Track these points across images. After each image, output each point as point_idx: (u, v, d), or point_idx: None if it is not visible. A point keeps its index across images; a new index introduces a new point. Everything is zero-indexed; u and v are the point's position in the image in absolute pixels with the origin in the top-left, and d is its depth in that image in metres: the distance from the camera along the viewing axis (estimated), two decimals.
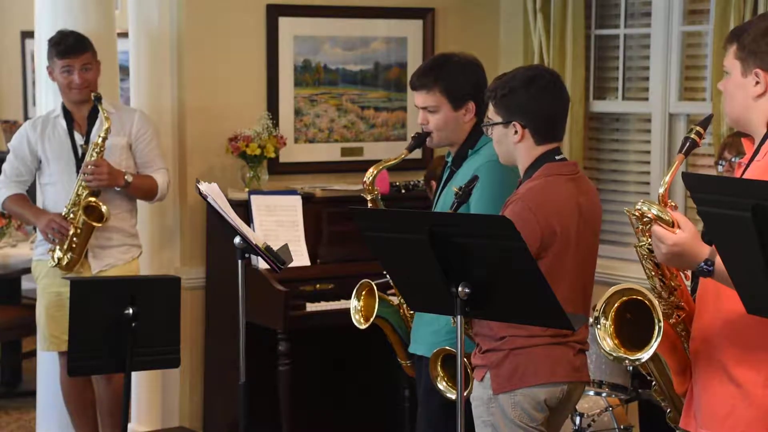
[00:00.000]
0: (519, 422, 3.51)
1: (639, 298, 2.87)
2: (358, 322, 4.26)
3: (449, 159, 4.18)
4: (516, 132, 3.55)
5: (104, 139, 5.20)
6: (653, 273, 2.91)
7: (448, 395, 3.75)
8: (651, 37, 5.87)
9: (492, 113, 3.61)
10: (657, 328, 2.80)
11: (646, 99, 5.93)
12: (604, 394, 4.78)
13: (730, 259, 2.61)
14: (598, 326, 2.90)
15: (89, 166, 5.17)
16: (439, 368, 3.91)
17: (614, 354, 2.88)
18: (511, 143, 3.58)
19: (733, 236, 2.53)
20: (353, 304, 4.27)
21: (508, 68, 6.38)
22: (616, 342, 2.89)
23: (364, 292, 4.26)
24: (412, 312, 4.23)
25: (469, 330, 3.66)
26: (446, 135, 4.11)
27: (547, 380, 3.52)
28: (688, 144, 2.90)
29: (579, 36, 5.99)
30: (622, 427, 4.81)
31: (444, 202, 4.07)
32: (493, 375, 3.53)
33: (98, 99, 5.23)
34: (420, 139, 4.15)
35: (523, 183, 3.57)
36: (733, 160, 4.57)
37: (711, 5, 5.54)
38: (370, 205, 4.23)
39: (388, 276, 4.16)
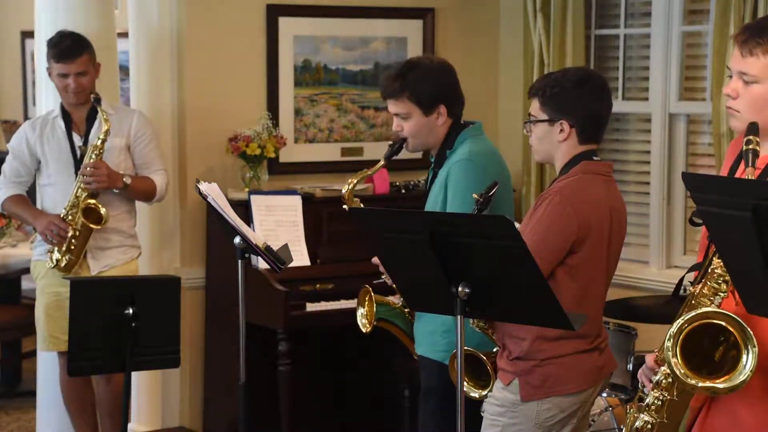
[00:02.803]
0: (545, 427, 3.53)
1: (716, 321, 2.67)
2: (364, 326, 4.28)
3: (432, 160, 4.20)
4: (562, 131, 3.54)
5: (103, 141, 5.19)
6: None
7: (472, 394, 3.74)
8: (651, 37, 5.87)
9: (536, 110, 3.58)
10: (751, 352, 2.61)
11: (646, 99, 5.93)
12: (604, 394, 4.78)
13: (730, 259, 2.61)
14: (670, 366, 2.71)
15: (88, 168, 5.17)
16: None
17: (702, 385, 2.68)
18: (554, 141, 3.56)
19: (733, 236, 2.52)
20: (359, 311, 4.29)
21: (508, 68, 6.48)
22: (690, 373, 2.69)
23: (366, 298, 4.27)
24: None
25: (488, 330, 3.66)
26: (422, 140, 4.13)
27: (577, 389, 3.55)
28: (751, 156, 2.70)
29: (579, 36, 5.99)
30: (622, 427, 4.80)
31: (431, 206, 4.08)
32: (523, 383, 3.54)
33: (97, 100, 5.22)
34: (397, 146, 4.17)
35: (559, 179, 3.58)
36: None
37: (711, 5, 5.54)
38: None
39: (387, 275, 4.17)
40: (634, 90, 6.06)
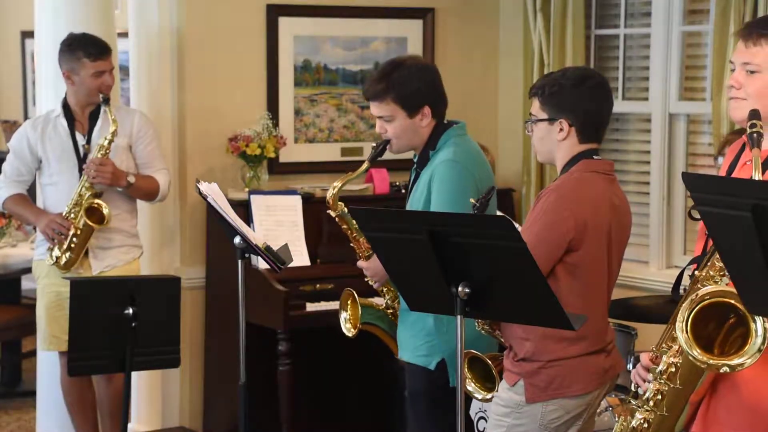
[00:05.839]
0: (551, 429, 3.53)
1: (723, 300, 2.68)
2: (348, 330, 4.27)
3: (415, 159, 4.18)
4: (561, 130, 3.53)
5: (110, 141, 5.20)
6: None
7: (477, 395, 3.73)
8: (651, 37, 5.87)
9: (537, 110, 3.57)
10: (760, 330, 2.60)
11: (646, 99, 5.93)
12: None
13: (730, 259, 2.60)
14: (680, 340, 2.70)
15: (93, 164, 5.16)
16: (466, 370, 3.88)
17: (712, 362, 2.67)
18: (554, 140, 3.56)
19: (733, 236, 2.52)
20: (342, 315, 4.28)
21: (508, 68, 6.48)
22: (701, 351, 2.68)
23: (349, 302, 4.27)
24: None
25: (495, 332, 3.66)
26: (405, 142, 4.10)
27: (583, 391, 3.54)
28: (755, 136, 2.74)
29: (579, 36, 5.99)
30: None
31: (413, 207, 4.07)
32: (528, 384, 3.53)
33: (106, 100, 5.22)
34: (381, 148, 4.14)
35: (559, 177, 3.58)
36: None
37: (711, 5, 5.54)
38: (337, 221, 4.22)
39: (371, 280, 4.18)
40: (634, 90, 6.06)
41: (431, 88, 4.08)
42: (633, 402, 2.98)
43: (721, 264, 2.79)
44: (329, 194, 4.18)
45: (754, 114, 2.81)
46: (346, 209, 4.21)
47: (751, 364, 2.63)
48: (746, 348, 2.63)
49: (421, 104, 4.04)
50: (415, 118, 4.05)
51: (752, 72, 2.92)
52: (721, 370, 2.68)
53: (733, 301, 2.66)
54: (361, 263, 4.16)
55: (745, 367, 2.65)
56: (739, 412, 2.87)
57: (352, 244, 4.23)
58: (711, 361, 2.66)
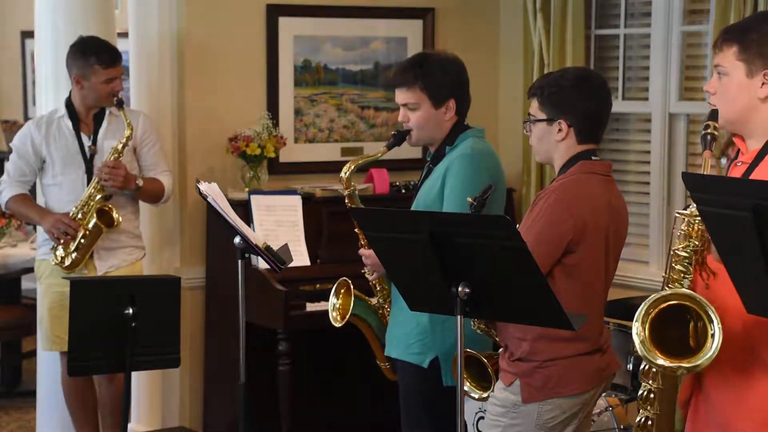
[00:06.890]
0: (547, 428, 3.53)
1: (682, 303, 2.73)
2: (335, 319, 4.26)
3: (429, 157, 4.18)
4: (560, 130, 3.54)
5: (125, 145, 5.21)
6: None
7: (473, 395, 3.73)
8: (651, 37, 5.87)
9: (535, 110, 3.58)
10: (716, 330, 2.65)
11: (646, 99, 5.94)
12: (604, 394, 4.78)
13: (730, 259, 2.61)
14: (638, 341, 2.76)
15: (107, 167, 5.17)
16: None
17: (667, 365, 2.73)
18: (552, 141, 3.57)
19: (733, 236, 2.53)
20: (331, 301, 4.28)
21: (508, 68, 6.48)
22: (658, 352, 2.75)
23: (342, 291, 4.26)
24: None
25: (490, 332, 3.66)
26: (426, 133, 4.10)
27: (579, 391, 3.54)
28: (708, 138, 2.86)
29: (579, 36, 5.99)
30: (622, 427, 4.81)
31: (422, 199, 4.07)
32: (524, 384, 3.53)
33: (121, 103, 5.22)
34: (400, 137, 4.13)
35: (557, 179, 3.58)
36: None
37: (711, 5, 5.54)
38: (347, 200, 4.22)
39: (368, 270, 4.18)
40: (634, 90, 6.07)
41: (460, 83, 4.11)
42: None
43: (681, 267, 2.82)
44: (343, 172, 4.20)
45: (711, 115, 2.91)
46: (356, 191, 4.22)
47: (707, 364, 2.67)
48: (703, 350, 2.66)
49: (447, 97, 4.05)
50: (439, 110, 4.06)
51: (721, 75, 3.00)
52: (678, 373, 2.71)
53: (687, 303, 2.69)
54: (362, 251, 4.14)
55: (701, 368, 2.69)
56: (726, 409, 2.88)
57: (356, 230, 4.20)
58: (667, 364, 2.71)
